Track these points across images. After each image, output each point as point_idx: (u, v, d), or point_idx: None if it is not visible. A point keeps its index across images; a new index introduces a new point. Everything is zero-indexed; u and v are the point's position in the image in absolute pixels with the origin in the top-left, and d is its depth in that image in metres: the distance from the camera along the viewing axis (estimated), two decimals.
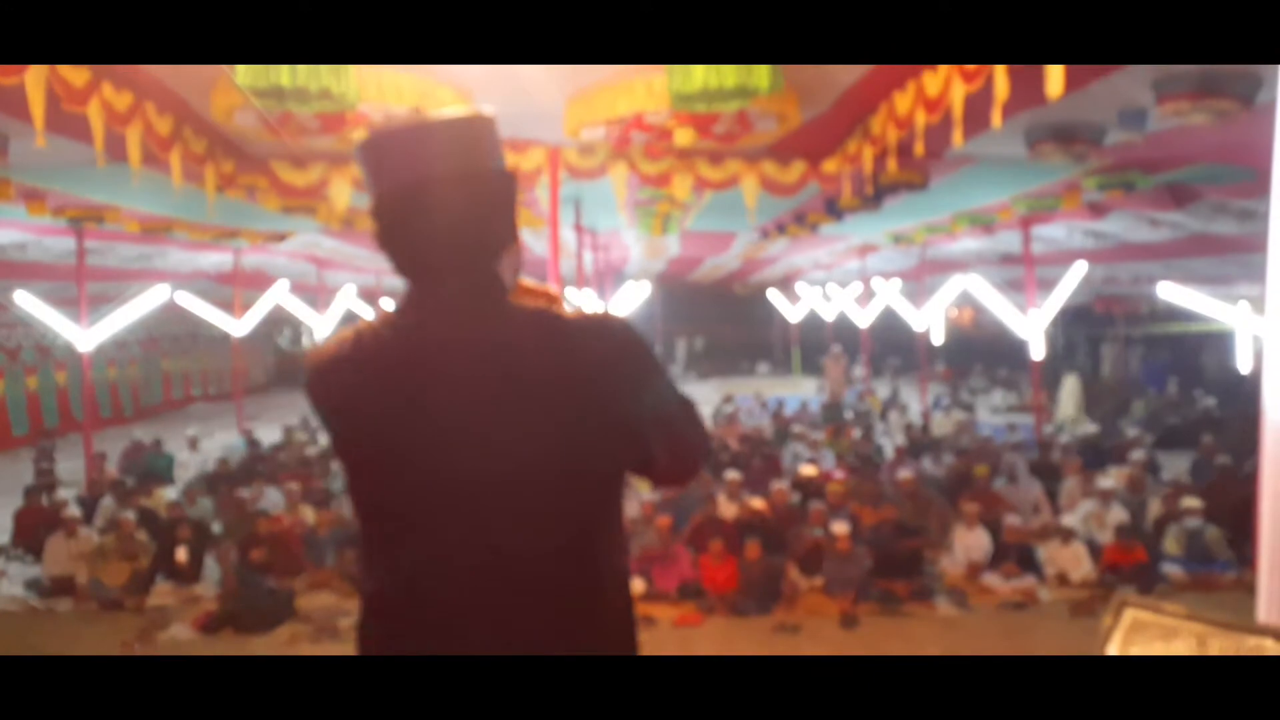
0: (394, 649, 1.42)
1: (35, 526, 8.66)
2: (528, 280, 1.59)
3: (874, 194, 7.39)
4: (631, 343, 1.46)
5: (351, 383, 1.42)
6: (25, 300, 10.96)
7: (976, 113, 4.14)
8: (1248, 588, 5.06)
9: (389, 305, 1.58)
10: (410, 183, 1.40)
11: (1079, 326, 21.56)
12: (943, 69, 4.32)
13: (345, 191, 6.68)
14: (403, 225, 1.43)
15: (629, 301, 15.38)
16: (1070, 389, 15.93)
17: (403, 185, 1.41)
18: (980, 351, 26.35)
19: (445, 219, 1.41)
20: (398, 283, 1.50)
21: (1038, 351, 11.36)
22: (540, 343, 1.40)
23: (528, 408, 1.38)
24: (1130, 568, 7.54)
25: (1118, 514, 8.34)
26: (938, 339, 19.46)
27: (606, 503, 1.50)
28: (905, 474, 9.25)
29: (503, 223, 1.49)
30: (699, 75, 4.59)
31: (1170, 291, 10.43)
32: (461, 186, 1.41)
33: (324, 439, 13.13)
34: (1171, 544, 7.90)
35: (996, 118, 3.90)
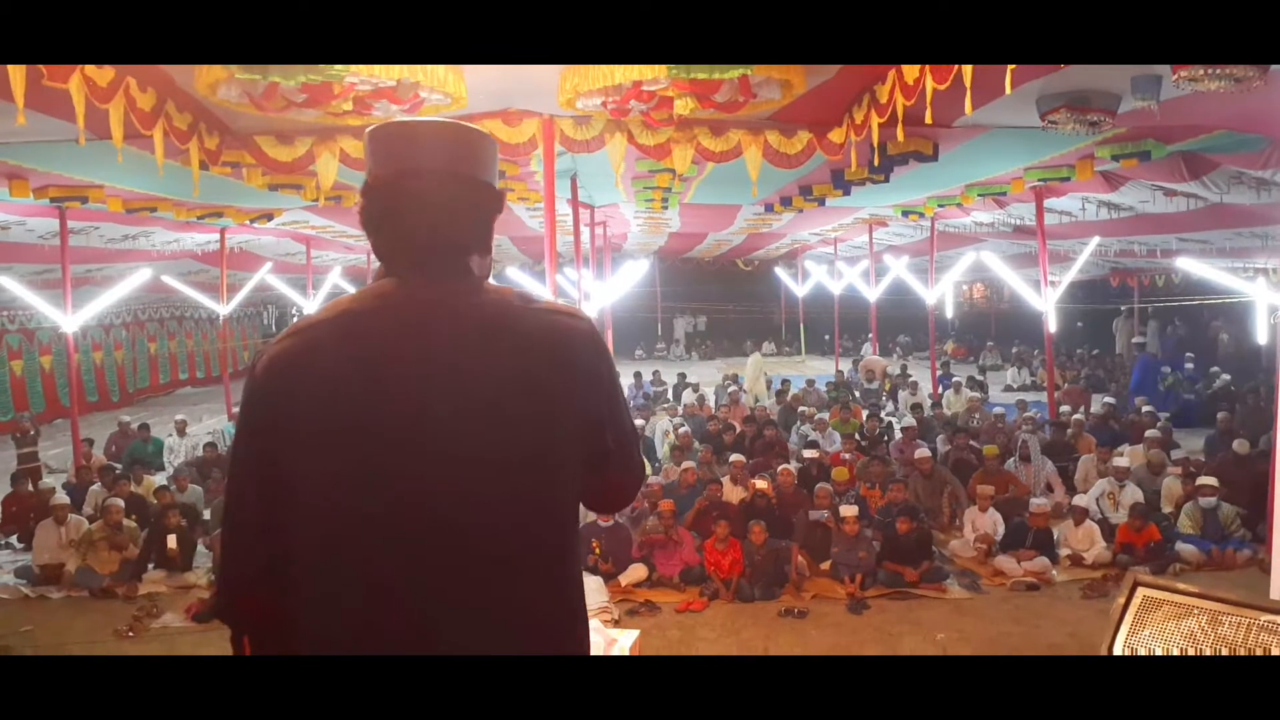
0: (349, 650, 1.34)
1: (23, 513, 8.54)
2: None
3: (881, 165, 7.17)
4: (604, 350, 1.52)
5: (334, 377, 1.37)
6: (8, 283, 10.76)
7: (987, 79, 4.01)
8: (1264, 566, 4.91)
9: (344, 296, 1.51)
10: (405, 170, 1.44)
11: (1094, 301, 21.18)
12: None
13: (333, 166, 6.46)
14: (391, 209, 1.45)
15: (628, 279, 15.13)
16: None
17: (398, 172, 1.44)
18: (993, 327, 26.06)
19: (431, 207, 1.44)
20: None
21: (1052, 326, 11.14)
22: (527, 337, 1.41)
23: (508, 399, 1.37)
24: (1144, 547, 7.38)
25: (1132, 493, 8.16)
26: (949, 315, 19.16)
27: (573, 501, 1.50)
28: (923, 453, 9.07)
29: (483, 228, 1.52)
30: None
31: (1188, 265, 10.19)
32: (452, 183, 1.45)
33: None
34: (1186, 523, 7.74)
35: (1008, 84, 3.73)
